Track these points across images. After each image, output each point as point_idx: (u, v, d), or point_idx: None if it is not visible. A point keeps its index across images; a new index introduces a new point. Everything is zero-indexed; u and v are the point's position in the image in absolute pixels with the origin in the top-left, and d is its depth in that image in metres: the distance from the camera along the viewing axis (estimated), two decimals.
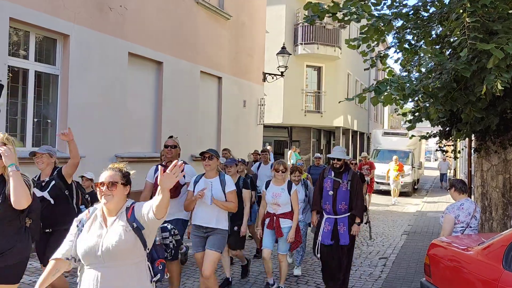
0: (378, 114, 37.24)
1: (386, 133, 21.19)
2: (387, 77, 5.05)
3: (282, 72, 13.48)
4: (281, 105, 20.58)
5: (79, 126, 7.25)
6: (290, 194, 5.24)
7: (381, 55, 5.96)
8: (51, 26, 6.80)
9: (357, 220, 5.30)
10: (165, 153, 5.05)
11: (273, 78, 13.63)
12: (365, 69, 6.93)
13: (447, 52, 5.99)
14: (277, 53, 13.52)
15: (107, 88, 7.82)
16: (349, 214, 5.31)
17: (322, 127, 23.85)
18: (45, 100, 7.08)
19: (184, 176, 4.59)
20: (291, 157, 20.86)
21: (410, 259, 7.39)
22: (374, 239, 8.88)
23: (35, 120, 6.87)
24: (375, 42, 5.67)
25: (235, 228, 5.22)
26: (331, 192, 5.33)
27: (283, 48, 13.57)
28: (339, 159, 5.35)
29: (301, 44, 20.69)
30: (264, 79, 13.77)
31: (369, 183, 12.34)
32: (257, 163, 8.23)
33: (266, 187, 5.39)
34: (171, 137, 5.24)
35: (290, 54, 14.01)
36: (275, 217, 5.24)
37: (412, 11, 5.49)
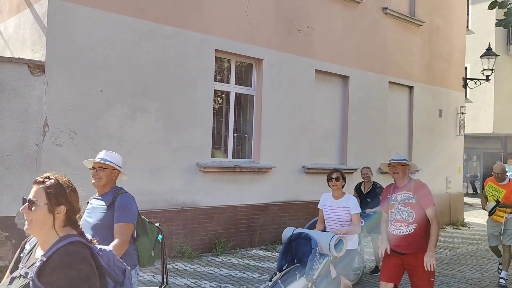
0: None
1: None
2: None
3: (487, 76, 12.06)
4: (491, 112, 18.29)
5: (271, 140, 8.09)
6: None
7: None
8: (248, 53, 7.83)
9: None
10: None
11: (475, 83, 12.32)
12: None
13: None
14: (481, 56, 12.17)
15: (296, 104, 8.49)
16: None
17: None
18: (243, 117, 8.14)
19: None
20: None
21: None
22: None
23: (235, 135, 7.98)
24: None
25: None
26: None
27: (488, 49, 12.14)
28: None
29: None
30: (465, 85, 12.55)
31: None
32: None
33: None
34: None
35: (498, 56, 12.41)
36: None
37: None
